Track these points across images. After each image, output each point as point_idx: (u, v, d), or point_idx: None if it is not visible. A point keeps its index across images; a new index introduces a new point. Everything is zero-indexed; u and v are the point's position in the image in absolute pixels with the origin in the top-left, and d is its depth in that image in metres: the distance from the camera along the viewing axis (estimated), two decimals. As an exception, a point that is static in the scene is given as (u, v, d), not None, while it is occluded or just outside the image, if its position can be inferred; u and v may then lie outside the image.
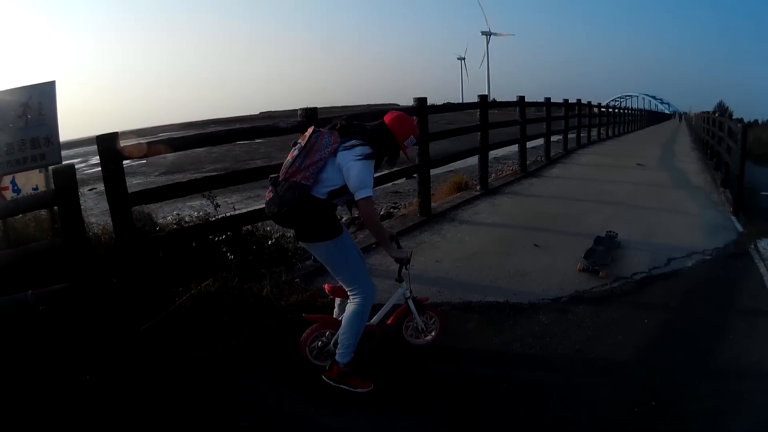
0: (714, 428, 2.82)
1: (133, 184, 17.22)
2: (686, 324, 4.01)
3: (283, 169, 2.85)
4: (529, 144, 11.51)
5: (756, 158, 16.19)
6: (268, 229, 5.58)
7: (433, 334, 3.52)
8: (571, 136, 16.57)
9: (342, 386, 3.00)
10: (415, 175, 6.96)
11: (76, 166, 3.57)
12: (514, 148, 11.00)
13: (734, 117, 13.22)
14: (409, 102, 6.97)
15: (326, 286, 3.41)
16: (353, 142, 2.85)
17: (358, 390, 3.00)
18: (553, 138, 13.77)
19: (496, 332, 3.84)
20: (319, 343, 3.20)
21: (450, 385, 3.19)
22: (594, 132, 20.65)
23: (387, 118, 2.99)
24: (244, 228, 5.05)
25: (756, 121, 56.92)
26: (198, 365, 3.35)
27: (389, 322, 3.39)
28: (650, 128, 38.05)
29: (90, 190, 3.72)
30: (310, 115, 4.74)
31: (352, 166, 2.78)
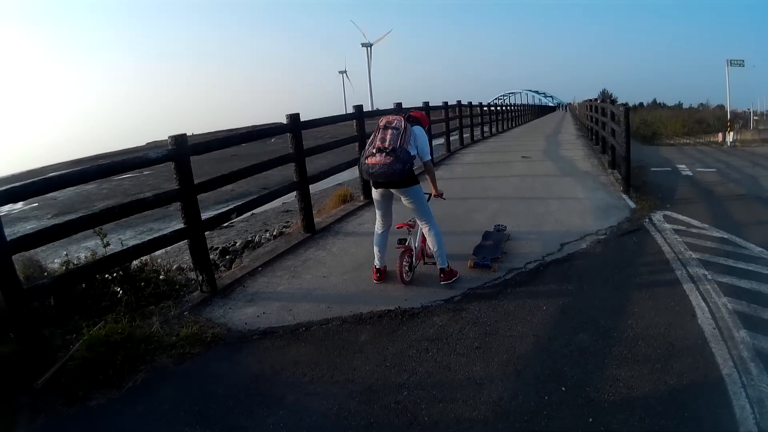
0: (630, 405, 3.02)
1: (27, 229, 16.47)
2: (587, 306, 4.35)
3: (392, 141, 4.57)
4: (412, 149, 11.85)
5: (643, 138, 18.10)
6: (159, 261, 5.80)
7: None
8: (455, 137, 17.37)
9: (453, 280, 4.89)
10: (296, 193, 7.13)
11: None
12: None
13: (618, 102, 14.57)
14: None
15: (397, 225, 5.25)
16: (417, 126, 4.95)
17: (457, 276, 4.97)
18: (437, 141, 14.34)
19: (390, 341, 3.93)
20: (407, 262, 4.96)
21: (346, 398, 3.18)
22: (477, 131, 21.98)
23: (415, 114, 5.19)
24: (134, 263, 5.33)
25: (641, 104, 64.09)
26: (97, 414, 3.38)
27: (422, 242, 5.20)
28: (535, 122, 41.29)
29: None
30: (180, 143, 4.97)
31: (424, 143, 4.89)
